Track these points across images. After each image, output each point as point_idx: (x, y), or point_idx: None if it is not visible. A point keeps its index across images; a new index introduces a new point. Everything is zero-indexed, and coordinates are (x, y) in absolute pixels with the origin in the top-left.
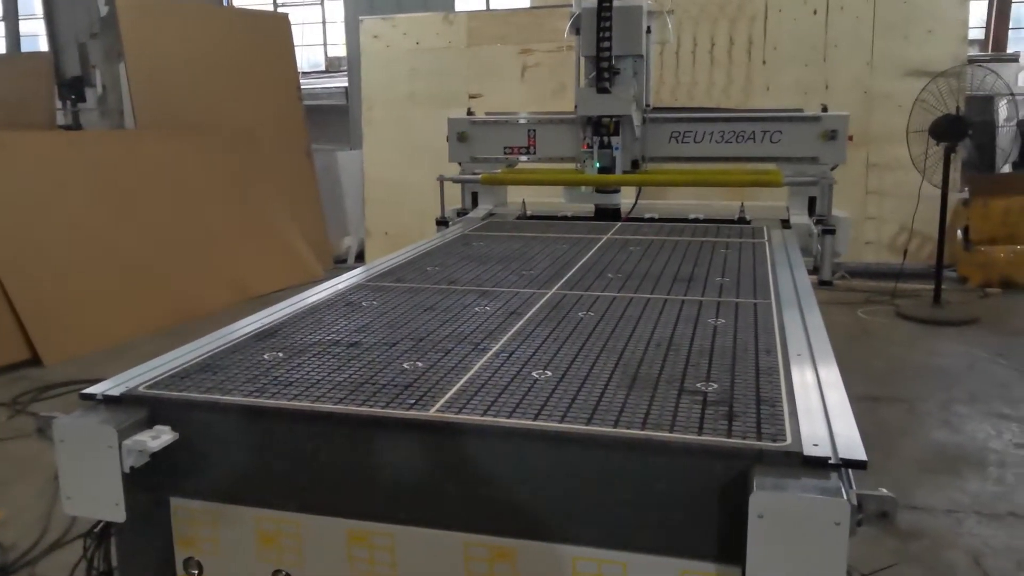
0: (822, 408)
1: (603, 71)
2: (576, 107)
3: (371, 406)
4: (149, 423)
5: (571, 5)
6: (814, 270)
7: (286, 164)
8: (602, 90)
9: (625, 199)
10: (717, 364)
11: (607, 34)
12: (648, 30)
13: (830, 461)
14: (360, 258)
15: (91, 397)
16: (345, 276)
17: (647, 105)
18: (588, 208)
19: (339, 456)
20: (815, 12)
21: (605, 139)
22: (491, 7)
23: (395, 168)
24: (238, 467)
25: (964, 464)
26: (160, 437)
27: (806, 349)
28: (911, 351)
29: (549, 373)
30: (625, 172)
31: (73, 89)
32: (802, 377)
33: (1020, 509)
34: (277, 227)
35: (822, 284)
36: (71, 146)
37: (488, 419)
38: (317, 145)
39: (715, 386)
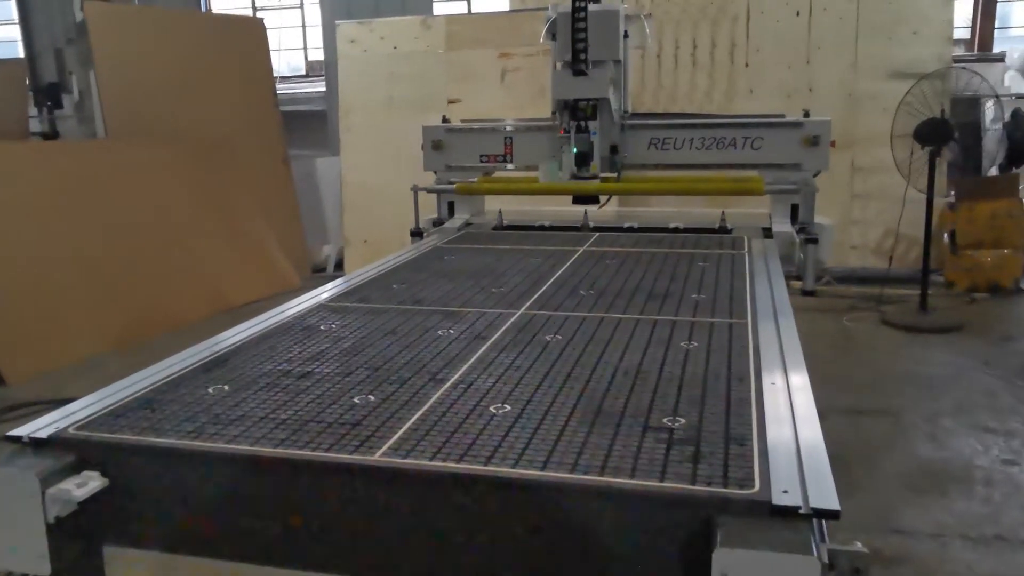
0: (795, 446)
1: (579, 52)
2: (552, 91)
3: (313, 448)
4: (78, 468)
5: (548, 8)
6: (797, 278)
7: (262, 171)
8: (578, 72)
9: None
10: (686, 395)
11: (582, 15)
12: (626, 34)
13: (800, 511)
14: (340, 266)
15: (17, 439)
16: (306, 296)
17: (625, 111)
18: (570, 211)
19: (279, 503)
20: (798, 13)
21: (582, 124)
22: (471, 11)
23: (374, 175)
24: (174, 514)
25: (950, 482)
26: (87, 484)
27: (781, 376)
28: (896, 360)
29: (507, 407)
30: (603, 157)
31: (50, 96)
32: (775, 409)
33: (1007, 532)
34: (253, 236)
35: (805, 294)
36: (40, 156)
37: (436, 464)
38: (297, 151)
39: (682, 421)
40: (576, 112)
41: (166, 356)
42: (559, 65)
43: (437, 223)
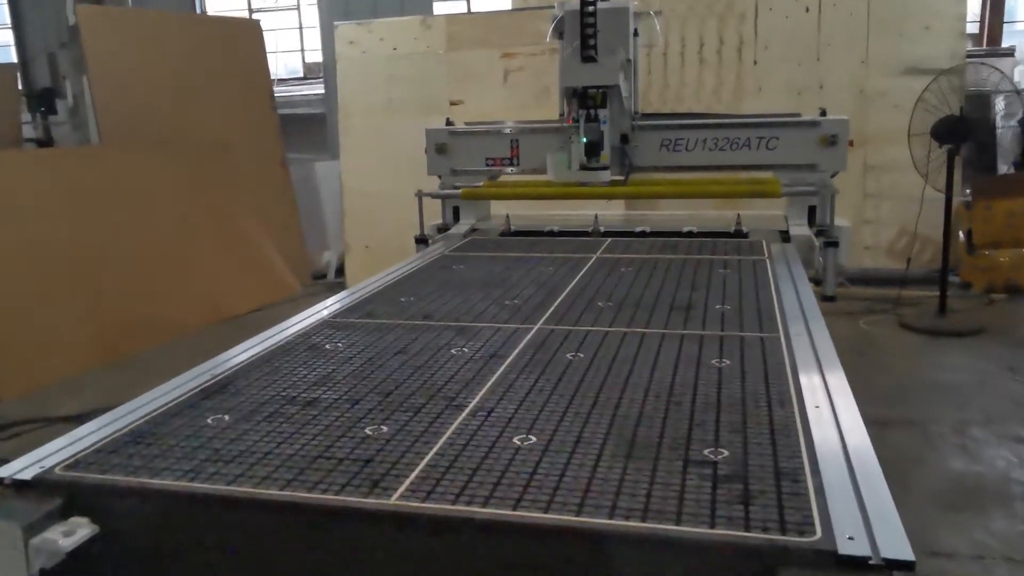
0: (851, 482)
1: (588, 38)
2: (560, 78)
3: (323, 490)
4: (65, 513)
5: (553, 6)
6: (816, 283)
7: (260, 176)
8: (587, 59)
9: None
10: (726, 421)
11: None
12: (635, 33)
13: (871, 562)
14: (340, 273)
15: None
16: (310, 311)
17: (636, 112)
18: (579, 215)
19: (287, 552)
20: (807, 9)
21: (592, 112)
22: (471, 10)
23: (374, 179)
24: (171, 564)
25: (987, 498)
26: (75, 532)
27: (824, 398)
28: (918, 366)
29: (533, 439)
30: (614, 147)
31: (43, 101)
32: (824, 437)
33: None
34: (252, 243)
35: (825, 299)
36: (32, 165)
37: (460, 508)
38: (296, 154)
39: (725, 453)
40: (585, 100)
41: (163, 370)
42: (567, 52)
43: (442, 229)
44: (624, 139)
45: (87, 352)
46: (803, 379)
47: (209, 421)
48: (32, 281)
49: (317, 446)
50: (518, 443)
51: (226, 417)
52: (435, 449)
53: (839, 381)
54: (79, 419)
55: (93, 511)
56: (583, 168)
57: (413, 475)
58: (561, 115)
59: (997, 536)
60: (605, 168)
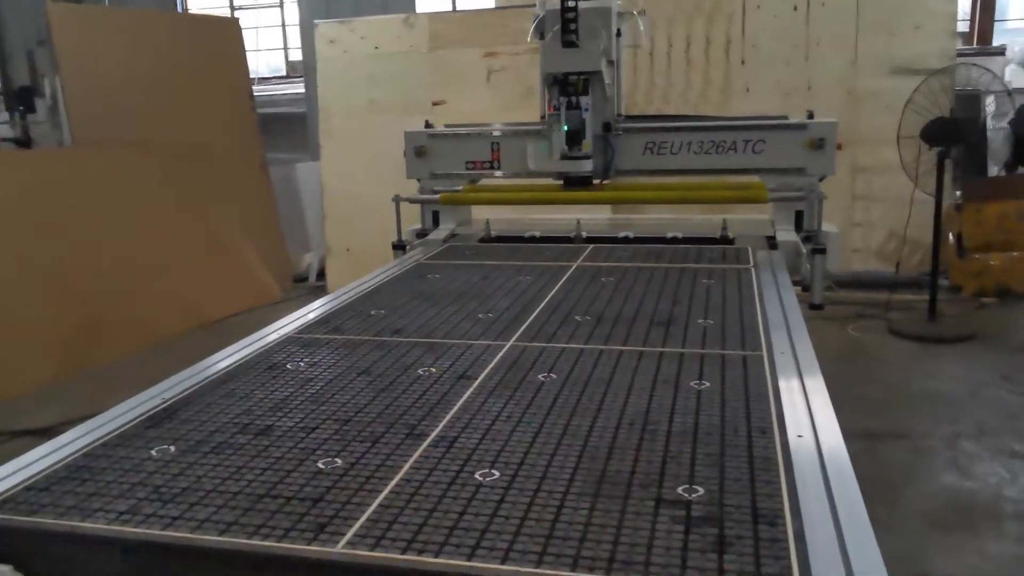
0: (833, 526)
1: (568, 22)
2: (541, 64)
3: (265, 535)
4: None
5: (535, 5)
6: (803, 288)
7: (239, 178)
8: (568, 44)
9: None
10: (702, 454)
11: None
12: (618, 33)
13: None
14: (322, 276)
15: None
16: (275, 325)
17: (619, 114)
18: (561, 219)
19: None
20: (795, 8)
21: (573, 99)
22: (456, 8)
23: (356, 181)
24: None
25: (980, 517)
26: None
27: (807, 424)
28: (908, 374)
29: (496, 473)
30: (597, 136)
31: (22, 100)
32: (806, 472)
33: None
34: (231, 246)
35: (812, 308)
36: (2, 168)
37: (410, 558)
38: (277, 155)
39: (700, 491)
40: (566, 87)
41: (135, 380)
42: (548, 37)
43: (421, 234)
44: (607, 128)
45: (57, 360)
46: (786, 403)
47: (153, 453)
48: (5, 285)
49: (265, 482)
50: (479, 479)
51: (172, 448)
52: (390, 486)
53: (824, 404)
54: (44, 433)
55: (18, 558)
56: (564, 157)
57: (364, 517)
58: (543, 117)
59: (991, 559)
60: (587, 157)
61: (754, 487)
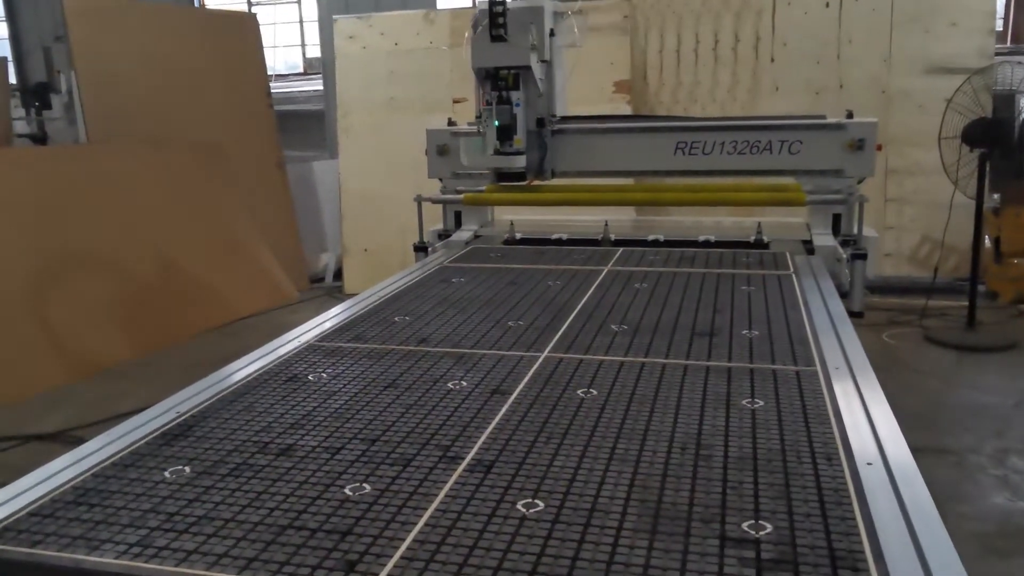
0: (919, 562)
1: (496, 16)
2: (470, 60)
3: (289, 575)
4: None
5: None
6: (842, 295)
7: (255, 176)
8: (496, 38)
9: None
10: (765, 484)
11: None
12: (552, 32)
13: None
14: (339, 276)
15: None
16: (295, 332)
17: (553, 116)
18: (587, 220)
19: None
20: (827, 5)
21: (504, 94)
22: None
23: (374, 179)
24: None
25: None
26: None
27: (875, 451)
28: (948, 385)
29: (540, 504)
30: (530, 132)
31: (38, 96)
32: (883, 508)
33: None
34: (246, 246)
35: (852, 316)
36: (14, 164)
37: None
38: (295, 152)
39: (768, 529)
40: (497, 82)
41: (149, 382)
42: (476, 30)
43: (443, 235)
44: (540, 123)
45: (70, 362)
46: (848, 425)
47: (167, 474)
48: (13, 286)
49: (288, 511)
50: (522, 510)
51: (187, 469)
52: (424, 518)
53: (891, 429)
54: (54, 438)
55: None
56: (496, 153)
57: (397, 555)
58: (478, 116)
59: None
60: (520, 153)
61: (827, 523)
